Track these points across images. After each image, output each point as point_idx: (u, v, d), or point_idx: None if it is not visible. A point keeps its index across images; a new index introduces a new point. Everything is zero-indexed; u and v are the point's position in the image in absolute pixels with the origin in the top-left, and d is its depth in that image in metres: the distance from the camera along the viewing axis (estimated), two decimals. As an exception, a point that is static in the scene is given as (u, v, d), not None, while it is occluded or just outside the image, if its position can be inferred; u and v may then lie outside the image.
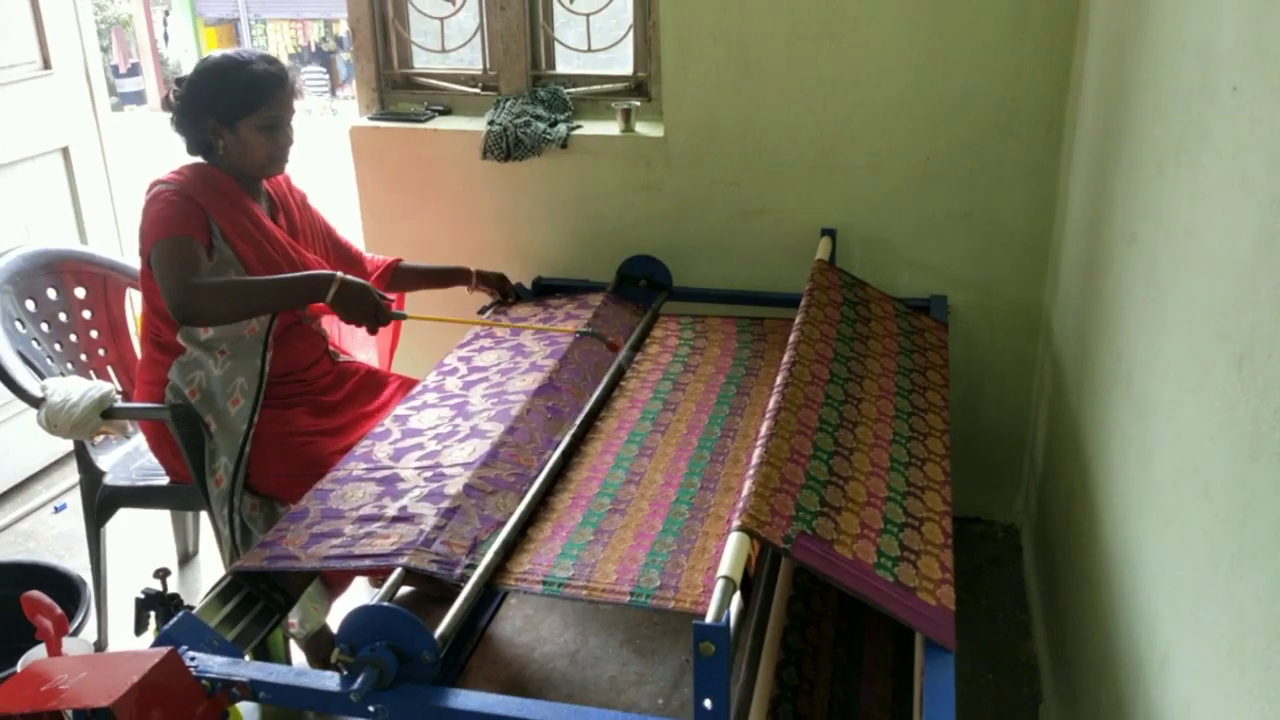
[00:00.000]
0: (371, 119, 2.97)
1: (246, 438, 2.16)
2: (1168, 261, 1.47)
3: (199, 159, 2.23)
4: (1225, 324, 1.17)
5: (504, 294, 2.67)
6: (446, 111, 2.99)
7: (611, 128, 2.78)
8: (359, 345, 2.63)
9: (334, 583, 2.29)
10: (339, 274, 2.08)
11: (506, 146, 2.75)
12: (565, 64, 2.97)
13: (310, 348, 2.35)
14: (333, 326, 2.56)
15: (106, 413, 2.21)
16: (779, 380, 1.86)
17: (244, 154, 2.19)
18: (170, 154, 2.32)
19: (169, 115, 2.23)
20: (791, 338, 2.02)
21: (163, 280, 2.05)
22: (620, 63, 2.92)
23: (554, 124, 2.78)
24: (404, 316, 2.23)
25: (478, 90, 2.98)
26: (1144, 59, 1.72)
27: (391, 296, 2.26)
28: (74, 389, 2.22)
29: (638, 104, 2.80)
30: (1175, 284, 1.42)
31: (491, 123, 2.78)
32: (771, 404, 1.77)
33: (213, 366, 2.19)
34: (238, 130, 2.16)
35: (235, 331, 2.18)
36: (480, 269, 2.62)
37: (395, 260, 2.54)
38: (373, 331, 2.14)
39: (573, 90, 2.90)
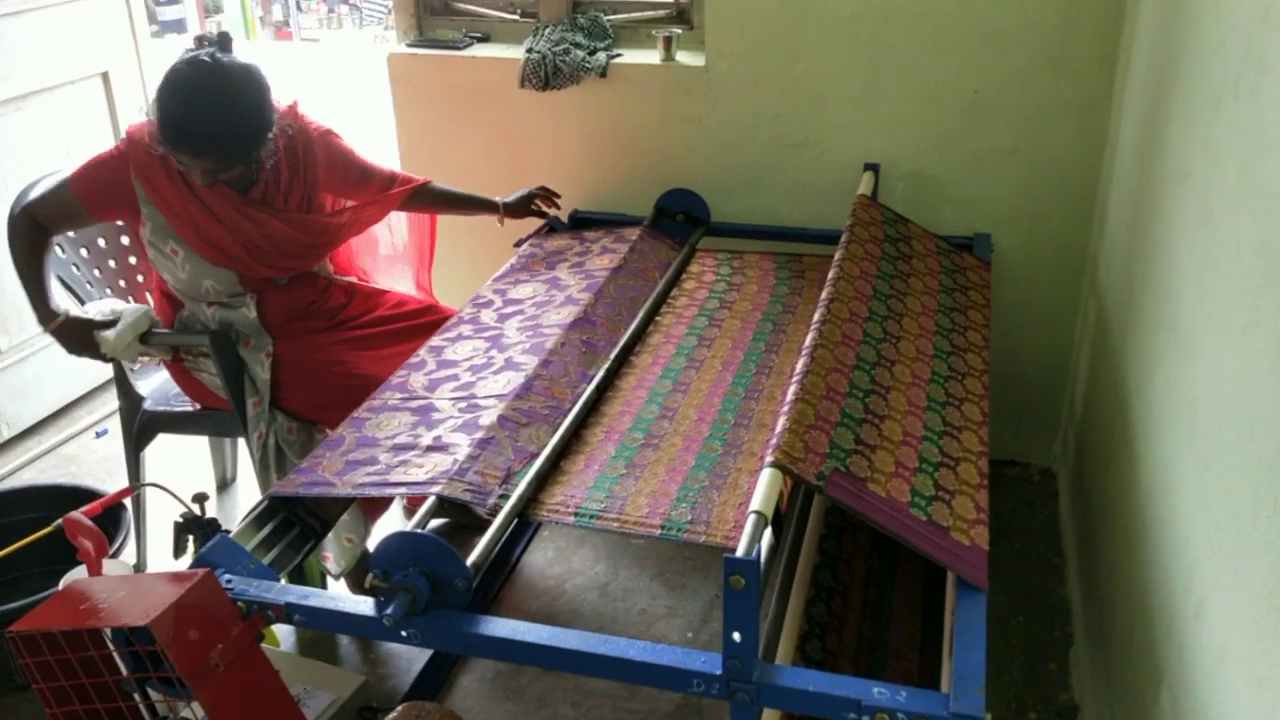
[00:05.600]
0: (409, 46, 2.94)
1: (265, 366, 2.21)
2: (1221, 198, 1.42)
3: None
4: (1277, 262, 1.13)
5: (545, 202, 2.63)
6: (485, 39, 2.95)
7: (652, 56, 2.73)
8: (393, 277, 2.62)
9: (369, 512, 2.31)
10: (62, 317, 2.17)
11: (545, 75, 2.71)
12: (606, -10, 2.92)
13: (305, 289, 2.33)
14: (363, 257, 2.56)
15: (144, 337, 2.23)
16: (816, 317, 1.83)
17: None
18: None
19: None
20: (830, 274, 1.99)
21: (36, 195, 2.18)
22: (662, -11, 2.86)
23: (593, 52, 2.73)
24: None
25: (516, 17, 2.94)
26: (1205, -12, 1.66)
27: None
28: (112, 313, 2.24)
29: (679, 32, 2.74)
30: (1227, 221, 1.38)
31: (530, 50, 2.74)
32: (808, 341, 1.75)
33: (209, 316, 2.25)
34: None
35: (199, 290, 2.23)
36: (506, 200, 2.58)
37: (423, 181, 2.43)
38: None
39: (613, 17, 2.84)
